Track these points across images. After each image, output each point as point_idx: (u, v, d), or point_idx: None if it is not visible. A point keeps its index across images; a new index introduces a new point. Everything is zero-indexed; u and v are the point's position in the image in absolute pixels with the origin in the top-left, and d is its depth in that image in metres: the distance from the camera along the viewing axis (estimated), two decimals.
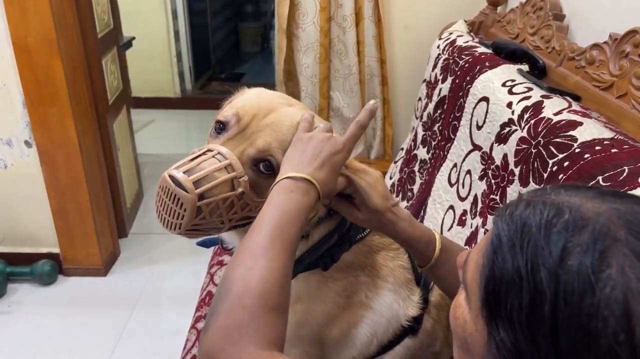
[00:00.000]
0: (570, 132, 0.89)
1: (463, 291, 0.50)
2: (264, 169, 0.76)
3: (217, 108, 0.89)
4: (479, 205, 1.13)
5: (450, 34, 1.71)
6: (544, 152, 0.91)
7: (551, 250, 0.40)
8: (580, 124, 0.91)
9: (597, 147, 0.83)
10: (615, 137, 0.85)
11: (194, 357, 1.25)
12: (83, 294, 2.14)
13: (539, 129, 0.96)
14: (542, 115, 0.99)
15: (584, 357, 0.37)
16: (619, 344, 0.36)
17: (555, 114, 0.97)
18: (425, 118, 1.62)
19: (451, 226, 1.24)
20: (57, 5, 1.80)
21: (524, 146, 0.99)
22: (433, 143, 1.52)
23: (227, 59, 5.57)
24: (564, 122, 0.93)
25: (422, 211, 1.42)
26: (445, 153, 1.39)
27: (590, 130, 0.88)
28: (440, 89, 1.53)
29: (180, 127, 4.09)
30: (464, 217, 1.20)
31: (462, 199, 1.23)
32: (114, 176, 2.34)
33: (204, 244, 0.98)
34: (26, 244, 2.18)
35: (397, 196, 1.70)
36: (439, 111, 1.51)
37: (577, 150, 0.85)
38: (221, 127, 0.80)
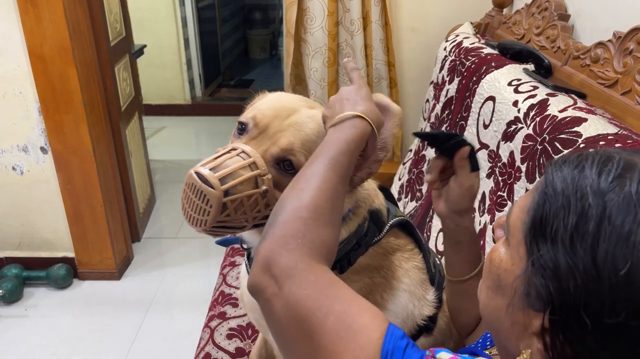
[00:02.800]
0: (575, 128, 0.91)
1: (500, 239, 0.55)
2: (286, 167, 0.77)
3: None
4: (487, 202, 1.15)
5: (457, 36, 1.73)
6: (549, 149, 0.93)
7: (601, 181, 0.44)
8: (585, 120, 0.92)
9: (602, 142, 0.84)
10: (619, 132, 0.87)
11: (207, 354, 1.28)
12: (98, 297, 2.18)
13: (545, 126, 0.98)
14: (547, 112, 1.01)
15: (621, 265, 0.41)
16: None
17: (561, 111, 0.99)
18: (433, 119, 1.64)
19: None
20: (72, 14, 1.85)
21: (529, 143, 1.00)
22: None
23: (236, 66, 5.63)
24: (569, 118, 0.95)
25: (431, 211, 1.44)
26: None
27: (594, 126, 0.90)
28: (448, 90, 1.55)
29: (191, 134, 4.14)
30: (472, 215, 1.21)
31: None
32: (127, 182, 2.38)
33: (223, 243, 0.99)
34: (42, 249, 2.22)
35: (406, 196, 1.72)
36: (446, 112, 1.53)
37: (581, 145, 0.86)
38: (243, 127, 0.81)
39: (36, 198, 2.11)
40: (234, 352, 1.25)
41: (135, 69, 2.64)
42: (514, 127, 1.09)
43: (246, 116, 0.81)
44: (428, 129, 1.67)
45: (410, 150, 1.87)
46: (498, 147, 1.15)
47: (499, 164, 1.13)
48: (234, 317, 1.37)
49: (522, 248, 0.49)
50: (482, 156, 1.23)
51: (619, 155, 0.47)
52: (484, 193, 1.18)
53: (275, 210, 0.63)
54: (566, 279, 0.44)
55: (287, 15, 1.94)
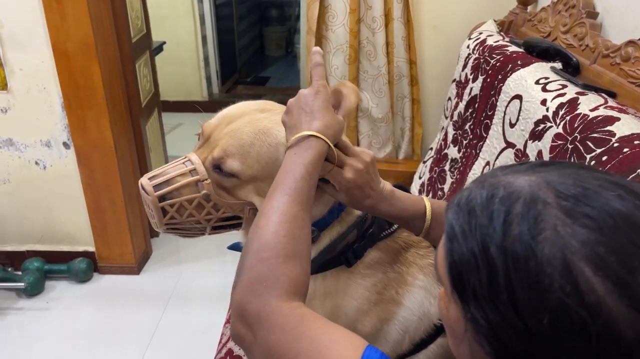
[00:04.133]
0: (608, 128, 0.90)
1: (442, 287, 0.53)
2: (225, 172, 0.82)
3: None
4: None
5: (480, 33, 1.72)
6: (581, 148, 0.91)
7: (494, 226, 0.43)
8: (618, 119, 0.91)
9: (636, 142, 0.83)
10: None
11: (229, 351, 1.28)
12: (117, 291, 2.20)
13: (575, 125, 0.97)
14: (578, 111, 0.99)
15: (541, 314, 0.40)
16: (567, 295, 0.39)
17: (592, 110, 0.97)
18: (455, 117, 1.63)
19: None
20: (95, 11, 1.87)
21: (559, 142, 0.99)
22: (464, 142, 1.52)
23: (253, 63, 5.64)
24: (600, 117, 0.93)
25: None
26: (478, 151, 1.40)
27: (628, 125, 0.88)
28: (471, 88, 1.53)
29: None
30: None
31: None
32: None
33: (234, 248, 1.04)
34: (63, 243, 2.25)
35: (427, 195, 1.71)
36: (470, 110, 1.52)
37: (615, 144, 0.85)
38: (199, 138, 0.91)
39: (58, 193, 2.14)
40: None
41: (153, 65, 2.66)
42: (542, 126, 1.07)
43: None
44: (451, 128, 1.66)
45: (431, 148, 1.86)
46: (525, 146, 1.13)
47: None
48: None
49: (457, 305, 0.48)
50: (508, 155, 1.22)
51: (501, 183, 0.46)
52: None
53: (242, 254, 0.64)
54: (504, 335, 0.43)
55: (308, 12, 1.94)
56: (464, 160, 1.50)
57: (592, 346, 0.39)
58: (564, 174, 0.45)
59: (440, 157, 1.68)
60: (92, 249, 2.25)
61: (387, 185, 0.81)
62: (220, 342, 1.36)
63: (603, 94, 1.06)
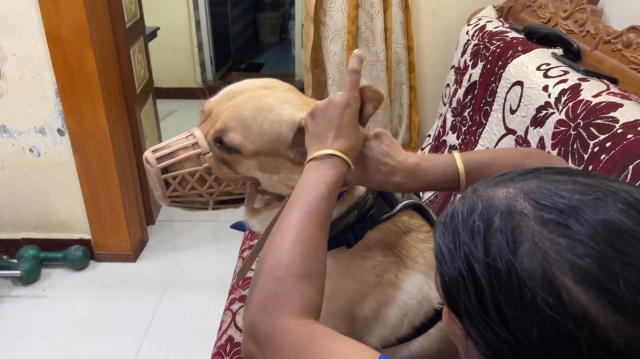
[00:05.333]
0: (611, 114, 0.90)
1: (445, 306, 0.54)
2: (226, 146, 0.83)
3: None
4: None
5: (479, 19, 1.71)
6: (584, 134, 0.91)
7: (476, 244, 0.43)
8: (621, 105, 0.91)
9: None
10: None
11: (230, 338, 1.28)
12: (114, 279, 2.19)
13: (578, 111, 0.97)
14: (580, 97, 0.99)
15: (530, 329, 0.40)
16: (550, 307, 0.39)
17: (594, 96, 0.97)
18: (454, 104, 1.62)
19: None
20: None
21: (562, 129, 0.99)
22: (463, 129, 1.52)
23: (247, 49, 5.58)
24: (603, 104, 0.93)
25: (452, 196, 1.43)
26: (477, 138, 1.40)
27: (631, 111, 0.88)
28: (471, 75, 1.53)
29: None
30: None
31: None
32: (142, 165, 2.37)
33: (237, 227, 1.03)
34: (59, 230, 2.24)
35: None
36: (469, 97, 1.52)
37: (619, 130, 0.85)
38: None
39: (53, 180, 2.11)
40: None
41: (147, 51, 2.63)
42: (544, 112, 1.07)
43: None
44: (449, 115, 1.65)
45: (429, 135, 1.86)
46: (526, 132, 1.13)
47: None
48: None
49: (456, 323, 0.48)
50: (508, 142, 1.22)
51: (481, 197, 0.46)
52: None
53: (256, 270, 0.64)
54: (500, 351, 0.43)
55: None
56: (462, 147, 1.50)
57: (584, 356, 0.39)
58: (542, 181, 0.44)
59: (439, 144, 1.68)
60: (88, 236, 2.23)
61: (410, 158, 0.77)
62: (220, 329, 1.36)
63: (605, 81, 1.06)
